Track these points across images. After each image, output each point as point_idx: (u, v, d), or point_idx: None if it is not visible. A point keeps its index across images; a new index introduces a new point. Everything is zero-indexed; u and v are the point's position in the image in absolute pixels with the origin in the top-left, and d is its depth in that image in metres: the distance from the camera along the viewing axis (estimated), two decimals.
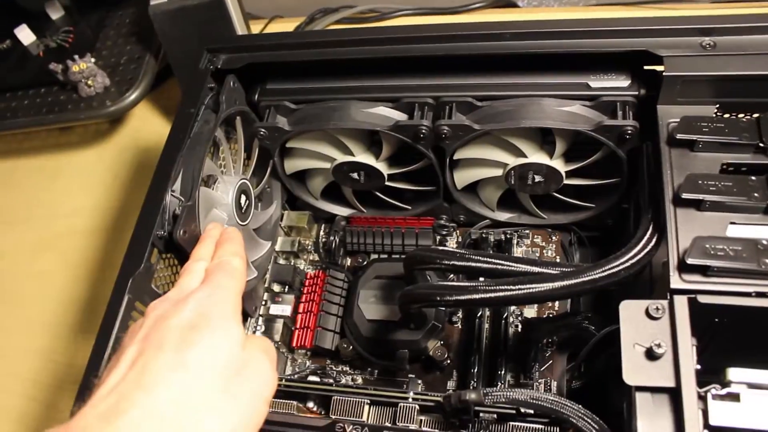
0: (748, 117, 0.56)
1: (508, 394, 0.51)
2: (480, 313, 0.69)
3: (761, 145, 0.52)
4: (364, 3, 1.11)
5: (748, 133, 0.53)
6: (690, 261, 0.48)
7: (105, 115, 1.00)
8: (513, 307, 0.69)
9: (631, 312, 0.49)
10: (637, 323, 0.48)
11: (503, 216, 0.74)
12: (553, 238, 0.74)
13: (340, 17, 1.10)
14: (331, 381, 0.69)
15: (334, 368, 0.72)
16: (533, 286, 0.51)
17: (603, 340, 0.60)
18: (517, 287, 0.51)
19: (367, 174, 0.72)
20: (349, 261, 0.79)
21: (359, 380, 0.71)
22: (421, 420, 0.57)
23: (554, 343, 0.66)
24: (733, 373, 0.47)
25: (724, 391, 0.46)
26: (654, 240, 0.53)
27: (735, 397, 0.46)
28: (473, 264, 0.54)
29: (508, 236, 0.73)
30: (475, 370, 0.65)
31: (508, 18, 1.05)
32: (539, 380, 0.65)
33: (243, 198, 0.68)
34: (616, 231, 0.71)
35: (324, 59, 0.66)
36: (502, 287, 0.51)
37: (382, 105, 0.67)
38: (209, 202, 0.64)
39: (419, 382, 0.69)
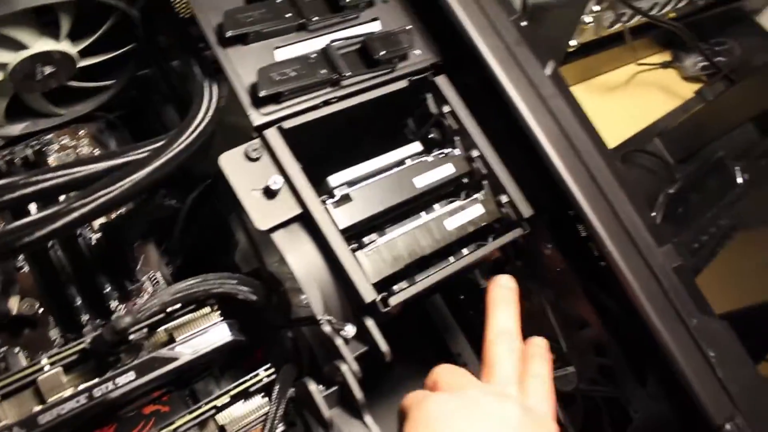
0: None
1: (159, 298, 0.46)
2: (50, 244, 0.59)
3: None
4: None
5: None
6: (263, 93, 0.49)
7: None
8: None
9: (233, 162, 0.48)
10: (243, 171, 0.48)
11: (16, 129, 0.62)
12: (81, 132, 0.65)
13: None
14: None
15: None
16: (129, 178, 0.46)
17: (191, 208, 0.59)
18: (113, 186, 0.45)
19: None
20: None
21: None
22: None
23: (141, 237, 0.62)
24: (333, 180, 0.51)
25: (336, 198, 0.50)
26: (215, 83, 0.52)
27: (347, 198, 0.51)
28: (51, 181, 0.45)
29: (36, 149, 0.62)
30: (79, 302, 0.57)
31: None
32: (143, 278, 0.61)
33: None
34: (144, 101, 0.67)
35: None
36: (99, 193, 0.44)
37: None
38: None
39: (17, 350, 0.57)
